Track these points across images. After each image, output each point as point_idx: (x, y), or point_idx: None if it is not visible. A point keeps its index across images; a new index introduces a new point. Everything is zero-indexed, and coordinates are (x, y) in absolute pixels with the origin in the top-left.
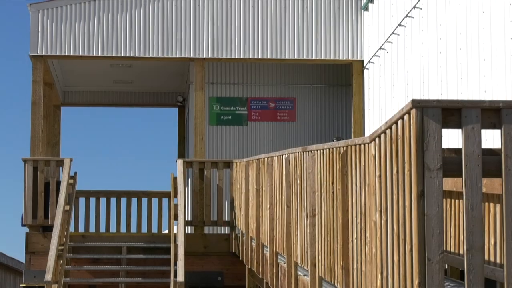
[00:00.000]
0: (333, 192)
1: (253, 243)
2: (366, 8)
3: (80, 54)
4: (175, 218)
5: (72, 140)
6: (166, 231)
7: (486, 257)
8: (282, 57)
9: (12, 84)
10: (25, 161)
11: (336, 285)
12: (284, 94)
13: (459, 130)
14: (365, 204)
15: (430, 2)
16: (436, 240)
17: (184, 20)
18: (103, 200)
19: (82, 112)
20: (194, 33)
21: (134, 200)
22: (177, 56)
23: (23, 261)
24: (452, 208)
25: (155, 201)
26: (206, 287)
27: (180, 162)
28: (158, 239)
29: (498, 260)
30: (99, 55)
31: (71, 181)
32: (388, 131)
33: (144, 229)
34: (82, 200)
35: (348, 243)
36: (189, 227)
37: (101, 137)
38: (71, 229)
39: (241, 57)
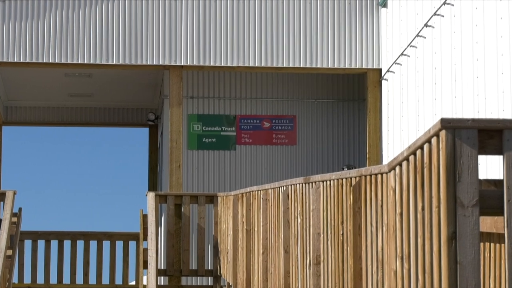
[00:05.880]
0: (342, 234)
1: None
2: (385, 5)
3: (27, 60)
4: (145, 266)
5: (16, 168)
6: (133, 283)
7: None
8: (280, 65)
9: None
10: None
11: None
12: (281, 111)
13: (500, 157)
14: (382, 249)
15: None
16: None
17: (157, 19)
18: (54, 243)
19: (29, 133)
20: (170, 34)
21: (93, 243)
22: (148, 63)
23: None
24: (492, 254)
25: (119, 244)
26: None
27: (151, 195)
28: None
29: None
30: (50, 61)
31: (15, 219)
32: (411, 158)
33: (105, 280)
34: (28, 243)
35: None
36: (162, 278)
37: (52, 164)
38: (15, 279)
39: (228, 64)
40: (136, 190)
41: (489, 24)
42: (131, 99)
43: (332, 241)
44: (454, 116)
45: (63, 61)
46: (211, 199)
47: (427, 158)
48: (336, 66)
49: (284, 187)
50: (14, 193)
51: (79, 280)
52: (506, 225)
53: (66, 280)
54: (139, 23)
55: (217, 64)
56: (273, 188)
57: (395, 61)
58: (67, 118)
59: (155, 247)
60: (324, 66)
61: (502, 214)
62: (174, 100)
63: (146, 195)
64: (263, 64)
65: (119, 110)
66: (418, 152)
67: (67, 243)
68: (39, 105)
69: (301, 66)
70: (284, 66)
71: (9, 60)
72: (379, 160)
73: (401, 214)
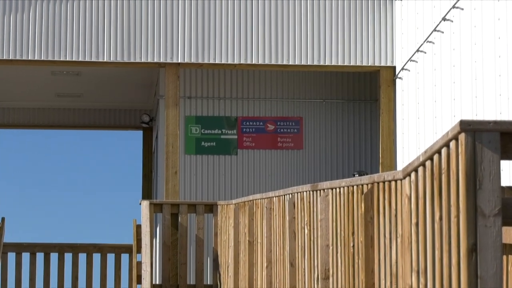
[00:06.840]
0: (353, 246)
1: None
2: None
3: (11, 57)
4: (139, 281)
5: None
6: None
7: None
8: (285, 63)
9: None
10: None
11: None
12: (287, 113)
13: None
14: (396, 262)
15: None
16: None
17: (151, 13)
18: (40, 256)
19: (12, 136)
20: (166, 30)
21: (82, 256)
22: (142, 60)
23: None
24: None
25: (111, 257)
26: None
27: (145, 204)
28: None
29: None
30: (36, 59)
31: None
32: (428, 163)
33: None
34: (11, 256)
35: None
36: None
37: (37, 170)
38: None
39: (228, 62)
40: (129, 198)
41: None
42: (123, 100)
43: (342, 253)
44: (475, 117)
45: (50, 58)
46: (211, 208)
47: (445, 164)
48: (346, 63)
49: (290, 195)
50: None
51: None
52: None
53: None
54: (132, 17)
55: (217, 62)
56: (277, 196)
57: (410, 58)
58: (54, 120)
59: (150, 261)
60: (333, 64)
61: None
62: (170, 100)
63: (140, 203)
64: (266, 62)
65: (111, 112)
66: (436, 157)
67: (54, 256)
68: (24, 106)
69: (308, 63)
70: (290, 63)
71: None
72: (393, 166)
73: (417, 224)
